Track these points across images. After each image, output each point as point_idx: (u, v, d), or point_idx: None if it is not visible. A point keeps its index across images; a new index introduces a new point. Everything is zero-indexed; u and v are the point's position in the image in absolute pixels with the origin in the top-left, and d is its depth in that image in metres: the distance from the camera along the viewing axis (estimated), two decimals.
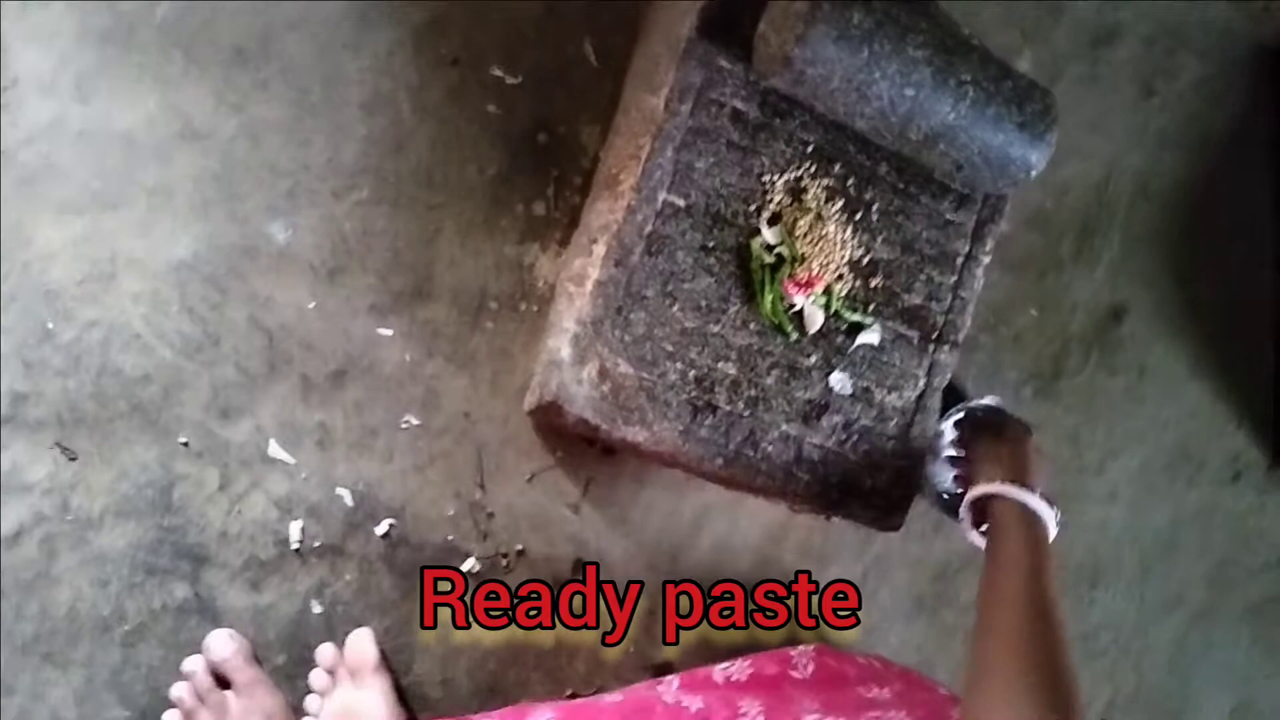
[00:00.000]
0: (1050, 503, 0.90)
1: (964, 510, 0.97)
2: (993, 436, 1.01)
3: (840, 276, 1.05)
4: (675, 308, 1.00)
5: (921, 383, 1.09)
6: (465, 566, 1.07)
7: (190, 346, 0.98)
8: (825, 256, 1.04)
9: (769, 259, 1.02)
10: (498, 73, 1.07)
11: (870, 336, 1.06)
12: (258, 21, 1.00)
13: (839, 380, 1.05)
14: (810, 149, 1.04)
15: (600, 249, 0.99)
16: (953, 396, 1.12)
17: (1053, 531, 0.90)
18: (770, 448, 1.04)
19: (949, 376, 1.11)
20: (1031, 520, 0.89)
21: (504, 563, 1.09)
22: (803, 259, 1.02)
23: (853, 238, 1.06)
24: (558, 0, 1.09)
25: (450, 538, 1.07)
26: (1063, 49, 1.32)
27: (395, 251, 1.04)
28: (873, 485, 1.08)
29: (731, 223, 1.01)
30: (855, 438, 1.07)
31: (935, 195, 1.09)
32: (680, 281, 1.00)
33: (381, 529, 1.04)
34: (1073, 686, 0.74)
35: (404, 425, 1.05)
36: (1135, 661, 1.40)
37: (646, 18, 1.12)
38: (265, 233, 1.00)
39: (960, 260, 1.11)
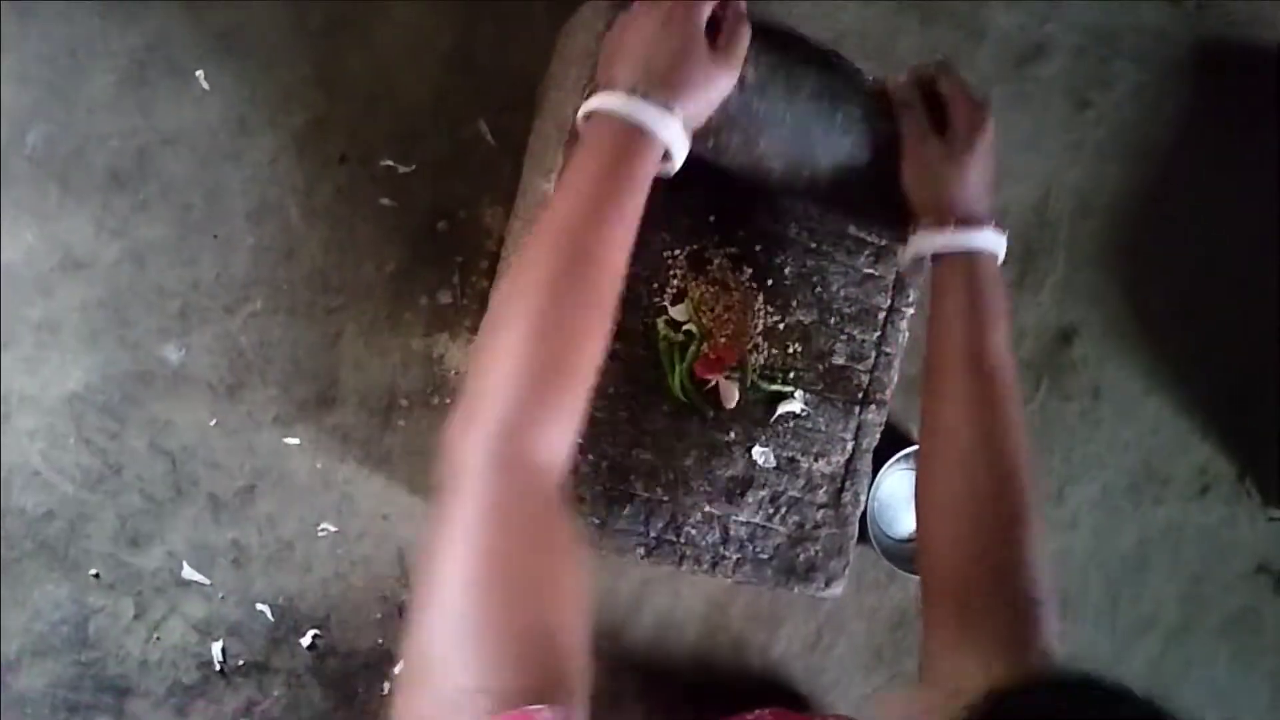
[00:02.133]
0: (992, 223, 0.88)
1: (906, 264, 0.95)
2: (926, 149, 0.92)
3: (754, 347, 1.02)
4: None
5: (850, 446, 1.06)
6: (398, 669, 1.05)
7: (92, 478, 0.97)
8: (736, 329, 1.01)
9: (677, 337, 0.99)
10: (389, 164, 1.05)
11: (792, 405, 1.03)
12: (131, 142, 0.97)
13: (761, 453, 1.03)
14: (712, 219, 1.00)
15: None
16: (892, 438, 1.09)
17: (1000, 253, 0.89)
18: (694, 530, 1.01)
19: (878, 436, 1.08)
20: (972, 268, 0.88)
21: None
22: (710, 334, 0.99)
23: (765, 305, 1.02)
24: (447, 83, 1.06)
25: (380, 641, 1.05)
26: (988, 71, 1.28)
27: (296, 360, 1.02)
28: (806, 557, 1.05)
29: (636, 304, 0.98)
30: (784, 510, 1.04)
31: (850, 251, 1.05)
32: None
33: (306, 641, 1.03)
34: (1019, 476, 0.79)
35: (320, 533, 1.03)
36: None
37: (540, 94, 1.08)
38: (158, 356, 0.98)
39: (882, 315, 1.07)
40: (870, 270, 1.07)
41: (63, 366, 0.96)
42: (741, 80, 0.87)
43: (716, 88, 0.84)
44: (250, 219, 1.00)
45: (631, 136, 0.78)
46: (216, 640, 1.00)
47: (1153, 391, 1.37)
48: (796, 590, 1.06)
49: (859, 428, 1.07)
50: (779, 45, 0.92)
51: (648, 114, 0.78)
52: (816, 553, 1.05)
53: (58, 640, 0.96)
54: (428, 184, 1.06)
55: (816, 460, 1.05)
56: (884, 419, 1.08)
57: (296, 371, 1.02)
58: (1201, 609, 1.42)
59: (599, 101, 0.80)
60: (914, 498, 0.88)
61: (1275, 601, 1.46)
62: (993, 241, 0.89)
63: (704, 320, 0.99)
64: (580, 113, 0.82)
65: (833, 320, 1.05)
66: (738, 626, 1.18)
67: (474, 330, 1.07)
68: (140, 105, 0.97)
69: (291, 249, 1.02)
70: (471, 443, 0.67)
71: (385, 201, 1.05)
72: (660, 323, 0.99)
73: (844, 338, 1.06)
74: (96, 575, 0.97)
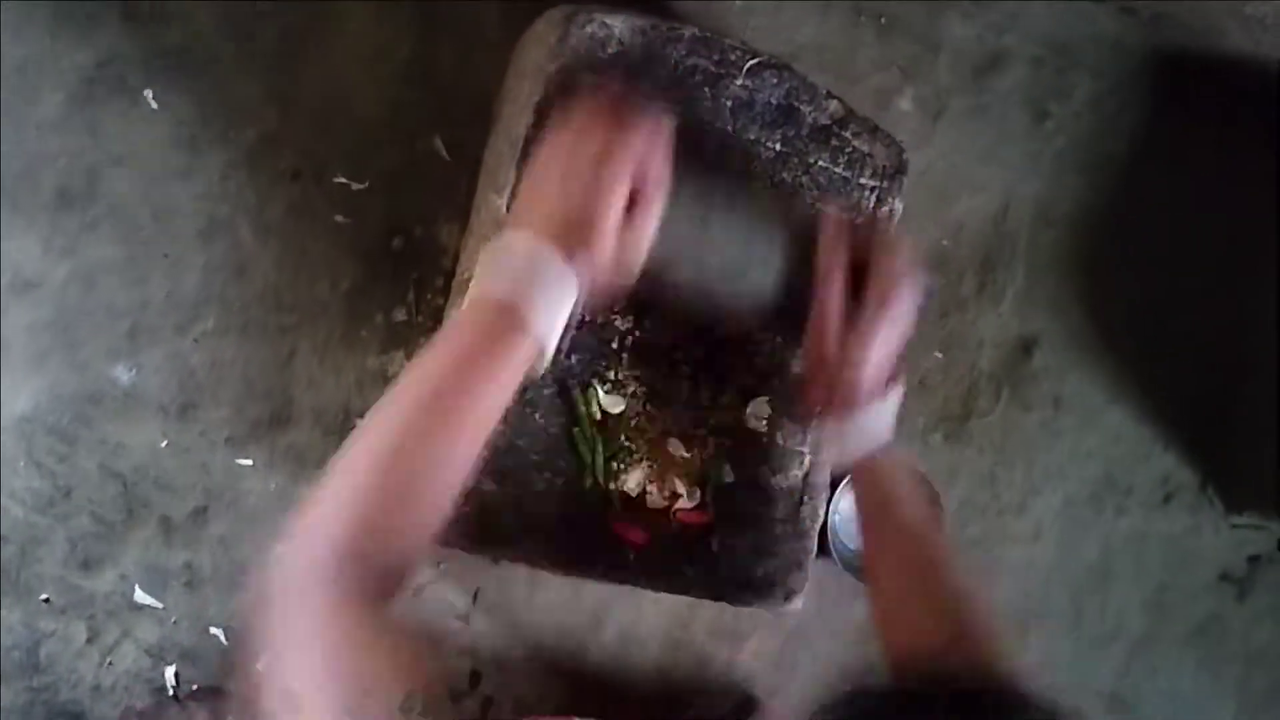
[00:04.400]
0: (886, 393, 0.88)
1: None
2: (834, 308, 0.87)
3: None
4: (538, 415, 0.96)
5: (807, 460, 1.06)
6: None
7: (42, 501, 0.96)
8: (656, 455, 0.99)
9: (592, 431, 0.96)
10: (342, 180, 1.04)
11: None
12: (80, 161, 0.96)
13: (723, 468, 1.02)
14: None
15: None
16: None
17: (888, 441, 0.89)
18: (652, 548, 1.00)
19: None
20: (870, 463, 0.88)
21: None
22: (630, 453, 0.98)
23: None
24: (402, 98, 1.05)
25: None
26: (945, 83, 1.28)
27: (248, 380, 1.01)
28: (764, 573, 1.04)
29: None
30: (743, 525, 1.04)
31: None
32: (541, 387, 0.96)
33: (261, 665, 1.01)
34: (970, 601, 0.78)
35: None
36: (1077, 700, 1.37)
37: (495, 109, 1.08)
38: (108, 377, 0.97)
39: None
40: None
41: (11, 388, 0.95)
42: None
43: (633, 253, 0.77)
44: (201, 237, 1.00)
45: (512, 322, 0.71)
46: (170, 665, 0.99)
47: (1114, 401, 1.37)
48: (756, 606, 1.05)
49: (816, 442, 1.06)
50: (708, 161, 0.91)
51: (539, 296, 0.72)
52: (776, 567, 1.05)
53: (9, 666, 0.95)
54: (382, 200, 1.06)
55: (774, 475, 1.05)
56: None
57: (249, 391, 1.01)
58: (1166, 618, 1.42)
59: (498, 265, 0.74)
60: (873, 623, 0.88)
61: (1239, 609, 1.46)
62: (884, 427, 0.88)
63: (629, 442, 0.98)
64: (475, 275, 0.76)
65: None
66: (701, 643, 1.18)
67: None
68: (89, 124, 0.96)
69: (243, 267, 1.01)
70: (305, 553, 0.63)
71: (339, 218, 1.04)
72: (590, 396, 0.97)
73: (800, 350, 1.05)
74: (47, 600, 0.96)
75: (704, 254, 0.87)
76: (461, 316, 0.75)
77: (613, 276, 0.77)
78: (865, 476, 0.90)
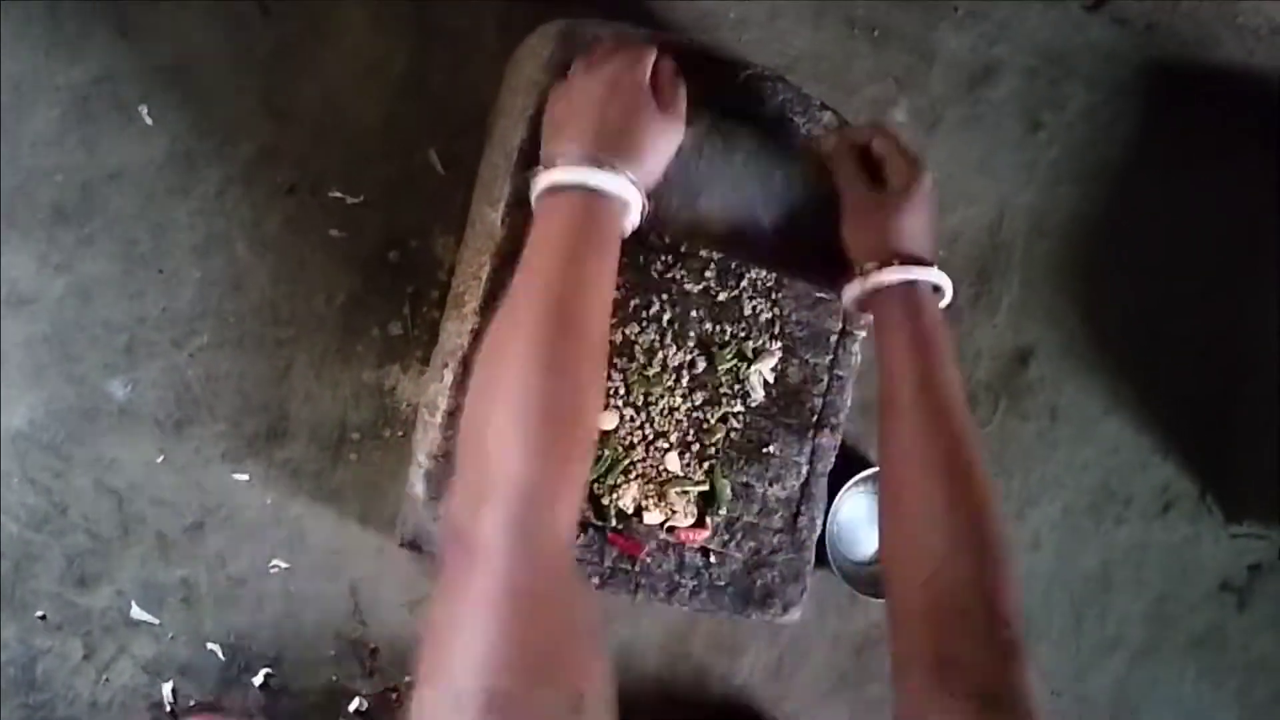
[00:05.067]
0: (935, 266, 0.88)
1: (850, 306, 0.95)
2: (863, 201, 0.92)
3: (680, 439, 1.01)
4: None
5: (804, 470, 1.06)
6: (353, 707, 1.04)
7: (37, 518, 0.96)
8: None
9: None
10: (338, 194, 1.04)
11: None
12: (76, 177, 0.96)
13: (720, 482, 1.02)
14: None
15: (449, 375, 0.96)
16: (850, 461, 1.09)
17: (946, 297, 0.89)
18: (649, 559, 1.00)
19: (833, 460, 1.07)
20: (913, 305, 0.87)
21: (394, 697, 1.06)
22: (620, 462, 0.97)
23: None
24: (397, 112, 1.05)
25: (334, 679, 1.04)
26: (940, 93, 1.28)
27: (244, 394, 1.01)
28: (763, 583, 1.04)
29: None
30: (740, 536, 1.04)
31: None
32: None
33: (259, 680, 1.01)
34: (985, 509, 0.78)
35: (272, 570, 1.02)
36: (1077, 711, 1.37)
37: (489, 123, 1.08)
38: (104, 392, 0.97)
39: (834, 339, 1.07)
40: (821, 294, 1.06)
41: (7, 403, 0.95)
42: (680, 144, 0.88)
43: (669, 144, 0.85)
44: (197, 252, 1.00)
45: (595, 202, 0.78)
46: (167, 681, 0.99)
47: (1111, 411, 1.37)
48: (754, 617, 1.05)
49: (813, 452, 1.06)
50: (714, 102, 0.94)
51: (607, 181, 0.78)
52: (773, 578, 1.04)
53: (5, 683, 0.95)
54: (378, 214, 1.06)
55: (771, 485, 1.05)
56: (838, 442, 1.07)
57: (245, 406, 1.01)
58: (1166, 627, 1.42)
59: (558, 176, 0.79)
60: (879, 545, 0.87)
61: (1240, 618, 1.46)
62: (932, 282, 0.89)
63: (623, 458, 0.98)
64: (537, 189, 0.81)
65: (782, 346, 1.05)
66: (699, 655, 1.17)
67: (425, 362, 1.07)
68: (84, 140, 0.97)
69: (239, 281, 1.01)
70: (490, 524, 0.66)
71: (335, 232, 1.04)
72: None
73: (796, 362, 1.06)
74: (43, 616, 0.96)
75: (718, 191, 0.93)
76: (544, 223, 0.79)
77: (660, 167, 0.84)
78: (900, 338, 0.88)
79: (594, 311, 0.75)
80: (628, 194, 0.79)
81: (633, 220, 0.82)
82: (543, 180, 0.80)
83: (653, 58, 0.85)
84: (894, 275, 0.88)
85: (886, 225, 0.89)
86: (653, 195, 0.86)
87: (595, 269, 0.76)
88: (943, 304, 0.90)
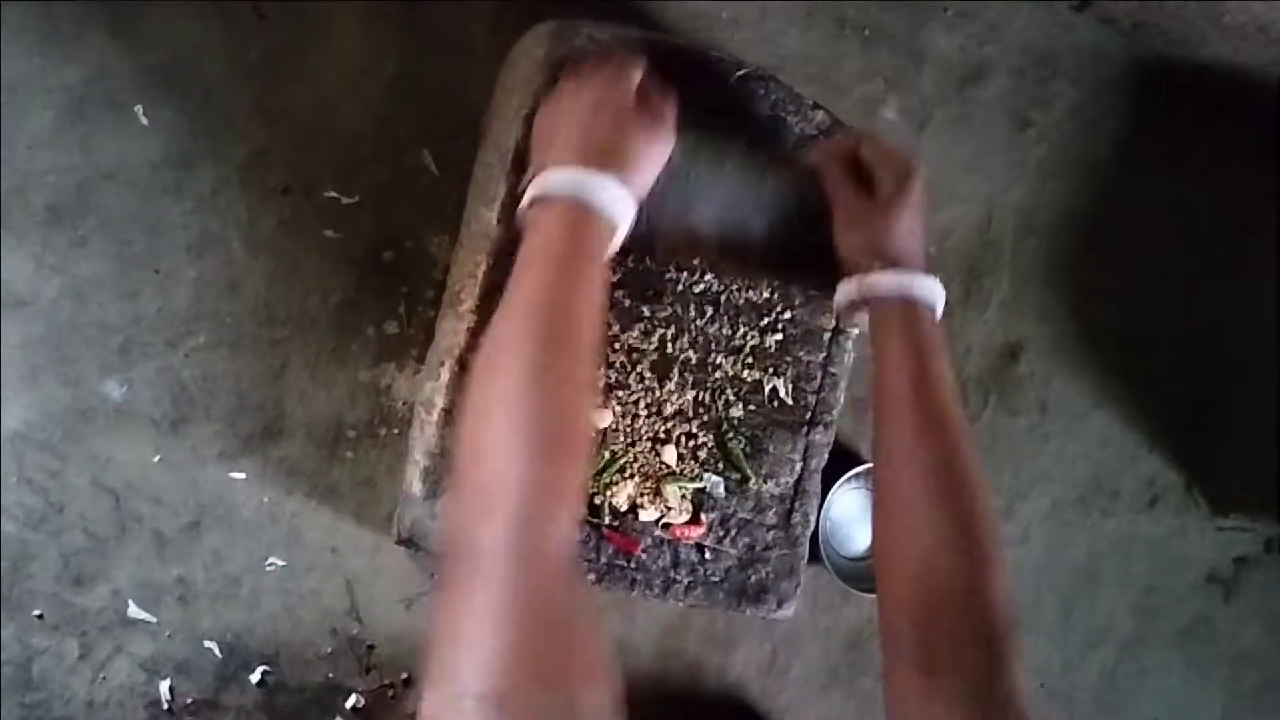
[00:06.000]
0: (923, 270, 0.88)
1: (842, 308, 0.95)
2: (854, 205, 0.92)
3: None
4: None
5: (798, 467, 1.07)
6: (350, 704, 1.04)
7: (34, 518, 0.96)
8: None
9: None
10: (332, 195, 1.05)
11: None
12: (71, 178, 0.97)
13: (711, 478, 1.03)
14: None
15: (445, 374, 0.97)
16: (843, 458, 1.10)
17: (939, 304, 0.89)
18: (644, 555, 1.01)
19: (826, 456, 1.08)
20: (910, 309, 0.87)
21: (390, 694, 1.06)
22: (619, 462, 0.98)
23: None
24: (391, 112, 1.06)
25: (331, 675, 1.04)
26: (929, 93, 1.29)
27: (240, 394, 1.01)
28: (757, 579, 1.05)
29: None
30: (734, 532, 1.04)
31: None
32: None
33: (256, 677, 1.02)
34: (977, 509, 0.78)
35: (269, 568, 1.02)
36: (1065, 702, 1.38)
37: (484, 123, 1.09)
38: (99, 392, 0.97)
39: (827, 336, 1.08)
40: (814, 291, 1.07)
41: (3, 404, 0.95)
42: (670, 154, 0.89)
43: (659, 154, 0.85)
44: (192, 252, 1.00)
45: (586, 214, 0.78)
46: (164, 679, 0.99)
47: (1100, 405, 1.39)
48: (748, 612, 1.06)
49: (807, 448, 1.07)
50: (706, 102, 0.95)
51: (598, 191, 0.78)
52: (767, 574, 1.05)
53: (2, 682, 0.95)
54: (372, 214, 1.06)
55: (765, 482, 1.06)
56: (831, 439, 1.08)
57: (241, 405, 1.01)
58: (1154, 620, 1.43)
59: (548, 187, 0.80)
60: (872, 540, 0.88)
61: (1226, 610, 1.47)
62: (928, 287, 0.89)
63: (618, 456, 0.98)
64: (526, 197, 0.82)
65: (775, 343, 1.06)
66: (693, 650, 1.18)
67: (421, 360, 1.07)
68: (79, 141, 0.97)
69: (234, 282, 1.01)
70: (491, 534, 0.66)
71: (329, 233, 1.05)
72: None
73: (789, 359, 1.07)
74: (40, 616, 0.96)
75: (709, 200, 0.95)
76: (534, 234, 0.79)
77: (651, 178, 0.85)
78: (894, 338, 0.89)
79: (586, 321, 0.76)
80: (619, 204, 0.80)
81: (625, 230, 0.82)
82: (532, 191, 0.81)
83: (641, 68, 0.86)
84: (886, 278, 0.89)
85: (878, 230, 0.90)
86: (644, 205, 0.86)
87: (587, 279, 0.77)
88: (937, 312, 0.90)
